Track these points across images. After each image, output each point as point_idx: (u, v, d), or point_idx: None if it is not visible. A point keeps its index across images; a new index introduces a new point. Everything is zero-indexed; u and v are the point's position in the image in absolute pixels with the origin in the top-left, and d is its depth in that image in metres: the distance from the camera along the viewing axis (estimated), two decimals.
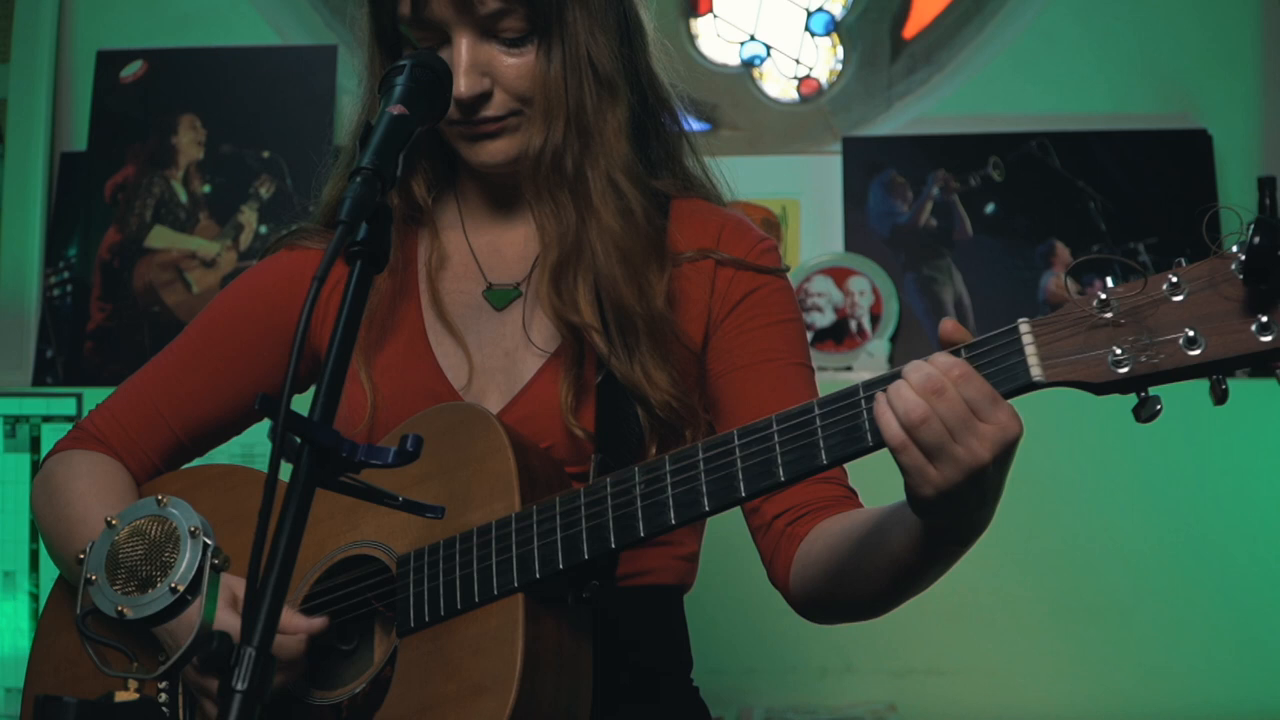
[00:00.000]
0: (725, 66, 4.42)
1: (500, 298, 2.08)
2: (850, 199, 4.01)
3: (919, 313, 3.93)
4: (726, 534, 2.23)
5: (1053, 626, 3.56)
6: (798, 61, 4.44)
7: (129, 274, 3.98)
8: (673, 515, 1.71)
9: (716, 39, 4.44)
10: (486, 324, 2.07)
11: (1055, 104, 4.02)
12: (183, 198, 4.02)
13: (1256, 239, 1.46)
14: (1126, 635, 3.54)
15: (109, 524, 1.71)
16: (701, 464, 1.69)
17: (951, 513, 1.58)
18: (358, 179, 1.56)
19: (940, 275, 3.94)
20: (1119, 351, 1.50)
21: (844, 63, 4.42)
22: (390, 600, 1.90)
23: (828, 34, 4.45)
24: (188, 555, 1.61)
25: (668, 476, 1.72)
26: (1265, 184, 3.82)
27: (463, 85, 1.93)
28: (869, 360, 3.82)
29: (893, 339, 3.89)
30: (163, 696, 1.88)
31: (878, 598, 1.82)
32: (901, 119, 4.20)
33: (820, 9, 4.45)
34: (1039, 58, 4.05)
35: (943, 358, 1.55)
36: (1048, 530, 3.56)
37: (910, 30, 4.40)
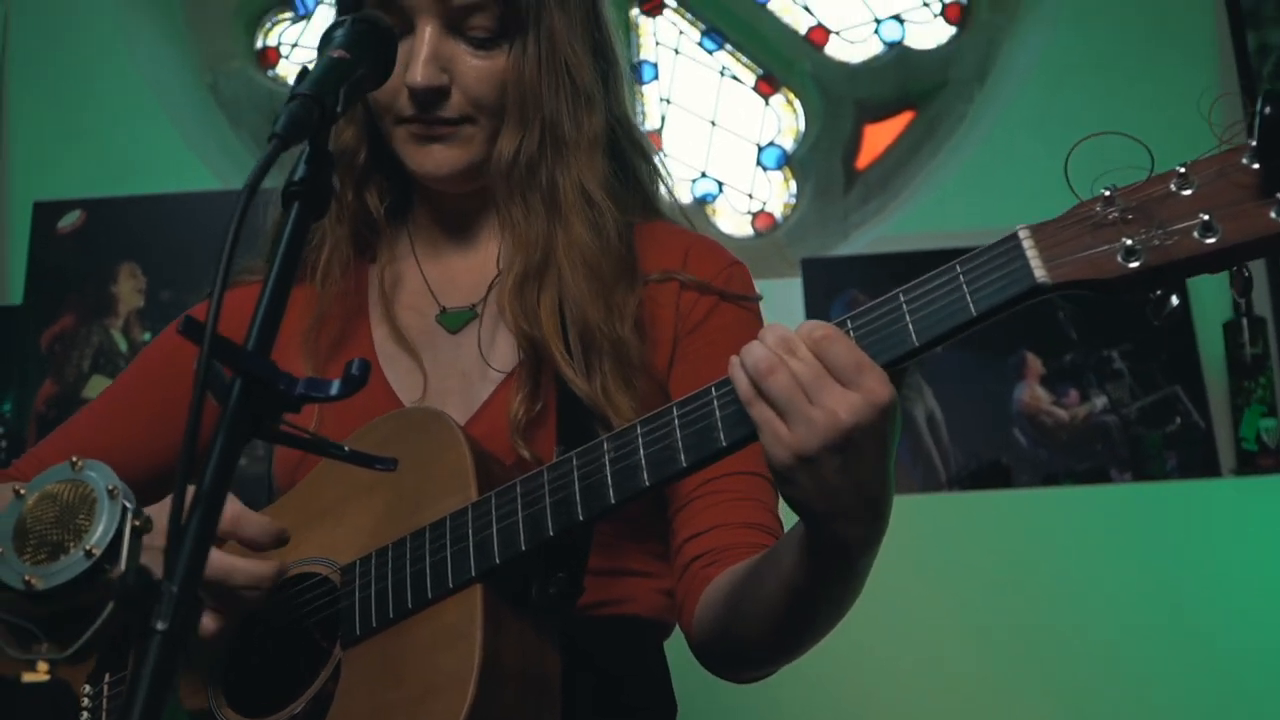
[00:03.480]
0: (677, 204, 4.35)
1: (454, 320, 1.96)
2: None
3: None
4: None
5: (1044, 709, 3.36)
6: (751, 196, 4.38)
7: None
8: (646, 476, 1.54)
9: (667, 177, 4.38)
10: (441, 347, 1.95)
11: (1015, 217, 3.90)
12: (123, 346, 3.88)
13: (1267, 109, 1.33)
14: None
15: (17, 494, 1.52)
16: (676, 420, 1.54)
17: (821, 493, 1.44)
18: (293, 101, 1.43)
19: (911, 392, 3.81)
20: (1129, 243, 1.37)
21: (798, 196, 4.37)
22: (331, 613, 1.72)
23: (779, 168, 4.41)
24: (105, 517, 1.42)
25: (639, 439, 1.56)
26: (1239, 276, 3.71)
27: (419, 74, 1.83)
28: None
29: None
30: (85, 701, 1.68)
31: (772, 636, 1.68)
32: (859, 245, 4.11)
33: (771, 144, 4.42)
34: (996, 173, 3.99)
35: (809, 322, 1.45)
36: (1037, 617, 3.41)
37: (863, 161, 4.37)
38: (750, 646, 1.73)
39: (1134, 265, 1.38)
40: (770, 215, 4.37)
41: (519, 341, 1.85)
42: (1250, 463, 3.62)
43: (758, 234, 4.34)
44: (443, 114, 1.87)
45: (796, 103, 4.46)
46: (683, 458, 1.52)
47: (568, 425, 1.81)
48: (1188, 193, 1.38)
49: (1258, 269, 3.83)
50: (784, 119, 4.45)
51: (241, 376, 1.29)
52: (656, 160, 2.07)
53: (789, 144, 4.42)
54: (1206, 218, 1.35)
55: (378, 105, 1.90)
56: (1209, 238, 1.36)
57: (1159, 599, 3.38)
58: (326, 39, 1.58)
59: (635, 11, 4.49)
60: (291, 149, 1.41)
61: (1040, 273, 1.41)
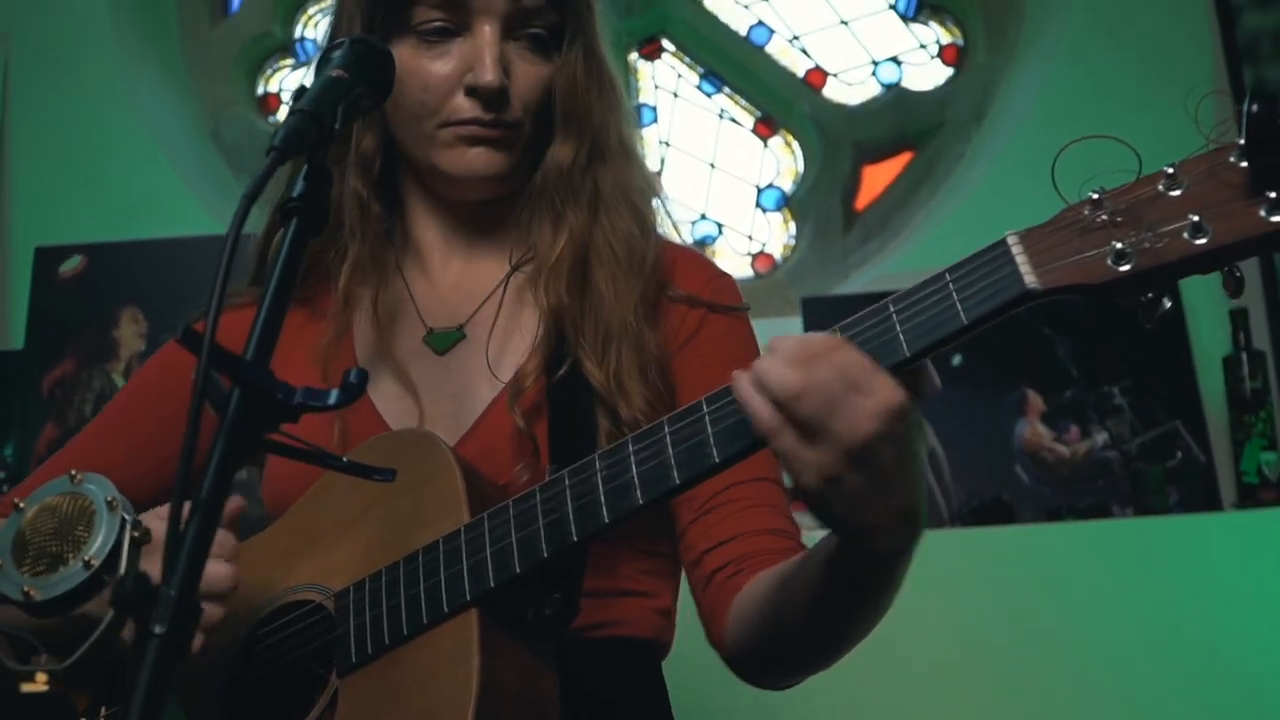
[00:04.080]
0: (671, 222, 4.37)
1: (442, 341, 1.94)
2: None
3: None
4: None
5: None
6: (750, 238, 4.39)
7: None
8: (639, 494, 1.52)
9: (666, 219, 4.39)
10: (429, 369, 1.93)
11: None
12: None
13: (1255, 106, 1.33)
14: None
15: (16, 507, 1.52)
16: (668, 436, 1.52)
17: (854, 511, 1.39)
18: (292, 116, 1.43)
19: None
20: (1119, 246, 1.37)
21: (797, 237, 4.38)
22: (327, 640, 1.71)
23: (779, 209, 4.42)
24: (103, 529, 1.42)
25: (631, 457, 1.54)
26: (1237, 315, 3.73)
27: (493, 74, 1.83)
28: None
29: None
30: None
31: (810, 644, 1.66)
32: (859, 285, 4.12)
33: (770, 185, 4.43)
34: (994, 211, 3.99)
35: (806, 335, 1.41)
36: (1041, 652, 3.39)
37: (862, 202, 4.38)
38: (788, 655, 1.70)
39: (1124, 269, 1.37)
40: (770, 256, 4.38)
41: (543, 318, 1.86)
42: (1251, 496, 3.62)
43: (758, 275, 4.35)
44: (506, 117, 1.87)
45: (795, 144, 4.48)
46: (675, 475, 1.50)
47: (561, 414, 1.80)
48: (1176, 193, 1.37)
49: (1255, 305, 3.84)
50: (783, 161, 4.47)
51: (240, 385, 1.29)
52: (642, 159, 2.06)
53: (788, 185, 4.44)
54: (1196, 218, 1.34)
55: (420, 107, 1.88)
56: (1199, 239, 1.35)
57: (1163, 632, 3.37)
58: (324, 60, 1.59)
59: (634, 56, 4.52)
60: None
61: (1030, 279, 1.40)
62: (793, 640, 1.66)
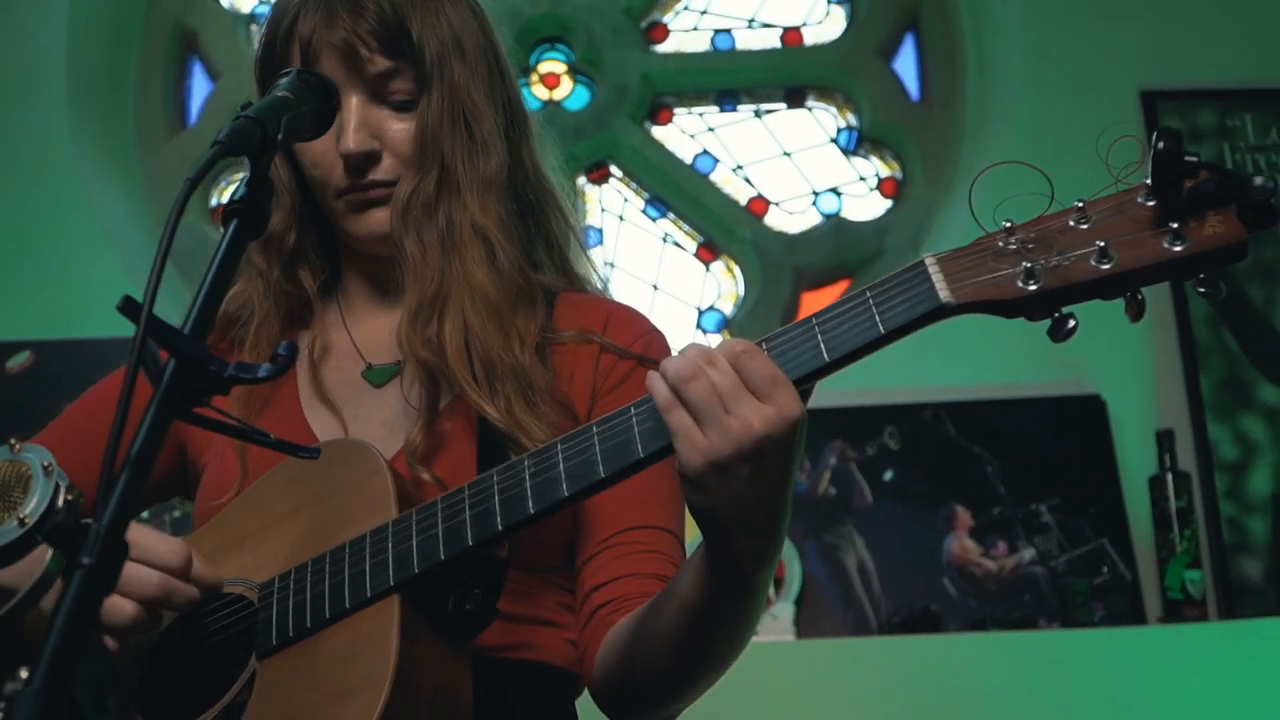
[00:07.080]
0: (585, 250, 4.44)
1: (379, 375, 1.99)
2: None
3: (822, 578, 3.85)
4: None
5: None
6: None
7: None
8: (565, 487, 1.58)
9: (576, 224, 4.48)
10: (364, 401, 1.97)
11: (949, 377, 4.05)
12: None
13: (1161, 144, 1.43)
14: None
15: None
16: (595, 436, 1.59)
17: (728, 501, 1.49)
18: (238, 119, 1.51)
19: (842, 542, 3.88)
20: (1029, 266, 1.45)
21: None
22: (246, 627, 1.74)
23: (719, 331, 4.52)
24: (39, 491, 1.46)
25: (559, 454, 1.60)
26: (1163, 437, 3.85)
27: (351, 141, 1.89)
28: (774, 624, 3.70)
29: (798, 602, 3.78)
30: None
31: (671, 666, 1.70)
32: None
33: (711, 307, 4.53)
34: (931, 337, 4.05)
35: (730, 340, 1.51)
36: None
37: None
38: (651, 682, 1.74)
39: (1033, 288, 1.45)
40: None
41: (417, 371, 1.89)
42: (1176, 612, 3.71)
43: None
44: (377, 177, 1.93)
45: (736, 269, 4.60)
46: (601, 469, 1.56)
47: (487, 450, 1.85)
48: (1085, 226, 1.46)
49: (1181, 427, 3.94)
50: (724, 284, 4.58)
51: (175, 356, 1.35)
52: (564, 205, 2.13)
53: (729, 308, 4.54)
54: (1103, 244, 1.43)
55: (316, 183, 1.96)
56: (1104, 264, 1.43)
57: None
58: (272, 85, 1.68)
59: (582, 180, 4.64)
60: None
61: (945, 294, 1.48)
62: (654, 665, 1.71)
